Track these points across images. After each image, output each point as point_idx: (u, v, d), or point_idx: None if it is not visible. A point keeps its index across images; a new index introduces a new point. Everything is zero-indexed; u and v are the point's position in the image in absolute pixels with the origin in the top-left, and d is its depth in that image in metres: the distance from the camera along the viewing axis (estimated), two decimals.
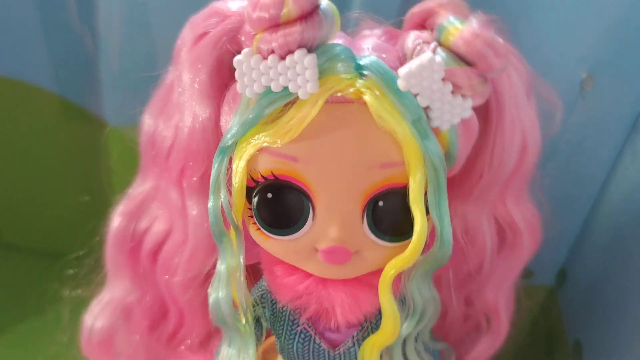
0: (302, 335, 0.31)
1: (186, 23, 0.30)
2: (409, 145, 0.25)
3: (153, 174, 0.34)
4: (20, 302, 0.55)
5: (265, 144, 0.26)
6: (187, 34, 0.29)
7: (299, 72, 0.24)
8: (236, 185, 0.27)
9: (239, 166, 0.27)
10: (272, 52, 0.25)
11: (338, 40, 0.27)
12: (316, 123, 0.25)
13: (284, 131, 0.25)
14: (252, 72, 0.25)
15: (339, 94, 0.25)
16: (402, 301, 0.29)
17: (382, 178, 0.26)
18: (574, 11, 0.35)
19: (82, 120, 0.51)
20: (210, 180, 0.28)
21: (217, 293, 0.29)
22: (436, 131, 0.26)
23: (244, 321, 0.30)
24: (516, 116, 0.29)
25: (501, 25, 0.28)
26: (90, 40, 0.46)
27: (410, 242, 0.26)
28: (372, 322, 0.31)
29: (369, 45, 0.27)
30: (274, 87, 0.25)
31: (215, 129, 0.30)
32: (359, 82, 0.25)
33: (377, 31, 0.29)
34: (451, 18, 0.25)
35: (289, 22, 0.24)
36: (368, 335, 0.30)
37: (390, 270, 0.27)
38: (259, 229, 0.28)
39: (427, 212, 0.26)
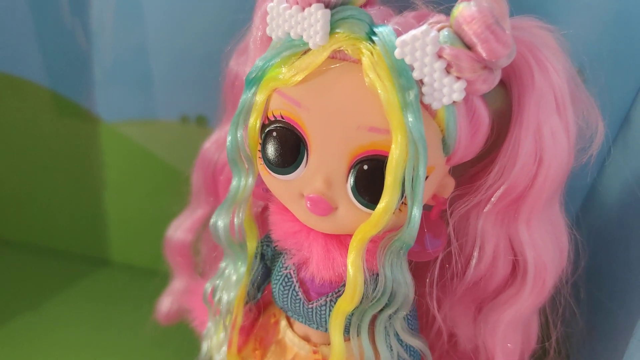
0: (286, 280, 0.34)
1: None
2: (391, 112, 0.26)
3: (232, 113, 0.39)
4: (15, 298, 0.55)
5: (279, 84, 0.29)
6: None
7: (313, 24, 0.27)
8: (252, 118, 0.30)
9: (258, 101, 0.30)
10: (297, 3, 0.28)
11: (380, 11, 0.29)
12: (321, 74, 0.28)
13: (291, 74, 0.28)
14: (279, 17, 0.28)
15: (344, 50, 0.27)
16: (375, 278, 0.30)
17: (369, 142, 0.27)
18: (564, 6, 0.33)
19: (74, 115, 0.51)
20: (237, 109, 0.31)
21: (217, 216, 0.33)
22: (432, 111, 0.27)
23: (237, 244, 0.33)
24: (535, 123, 0.28)
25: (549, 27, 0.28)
26: (82, 34, 0.47)
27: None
28: None
29: (397, 20, 0.29)
30: (293, 34, 0.28)
31: None
32: (364, 44, 0.27)
33: (416, 13, 0.30)
34: (465, 2, 0.26)
35: None
36: None
37: (359, 234, 0.28)
38: (262, 163, 0.31)
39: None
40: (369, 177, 0.28)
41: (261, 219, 0.37)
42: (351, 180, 0.28)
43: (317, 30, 0.27)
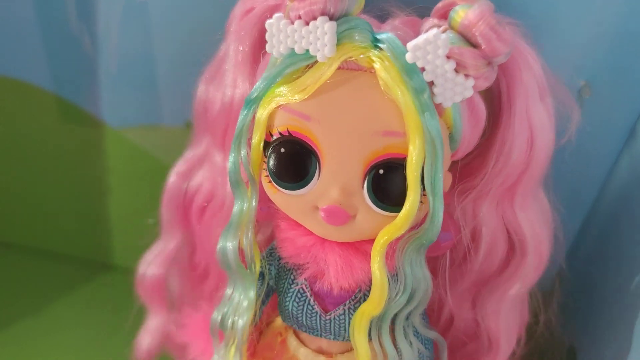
0: (299, 295, 0.33)
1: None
2: (410, 114, 0.27)
3: (204, 138, 0.38)
4: (18, 301, 0.56)
5: (283, 100, 0.29)
6: (237, 8, 0.34)
7: (319, 37, 0.28)
8: (256, 137, 0.30)
9: (261, 118, 0.30)
10: (299, 17, 0.28)
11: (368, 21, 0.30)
12: (330, 86, 0.28)
13: (300, 89, 0.28)
14: (280, 34, 0.28)
15: (353, 60, 0.28)
16: (395, 278, 0.31)
17: (384, 146, 0.28)
18: (572, 19, 0.35)
19: (79, 120, 0.52)
20: (235, 130, 0.31)
21: (225, 240, 0.32)
22: (441, 110, 0.28)
23: (246, 268, 0.33)
24: (525, 112, 0.30)
25: (521, 28, 0.31)
26: (88, 40, 0.47)
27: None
28: (365, 294, 0.32)
29: (389, 27, 0.30)
30: (297, 49, 0.28)
31: None
32: (372, 52, 0.28)
33: (402, 19, 0.31)
34: (461, 5, 0.27)
35: None
36: (359, 305, 0.32)
37: (383, 237, 0.29)
38: (270, 181, 0.30)
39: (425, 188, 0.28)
40: (385, 181, 0.29)
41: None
42: (367, 186, 0.29)
43: (325, 42, 0.27)
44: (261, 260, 0.34)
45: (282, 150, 0.30)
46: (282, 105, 0.29)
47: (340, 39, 0.28)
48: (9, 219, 0.61)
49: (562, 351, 0.38)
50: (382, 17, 0.33)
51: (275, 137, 0.30)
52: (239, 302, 0.33)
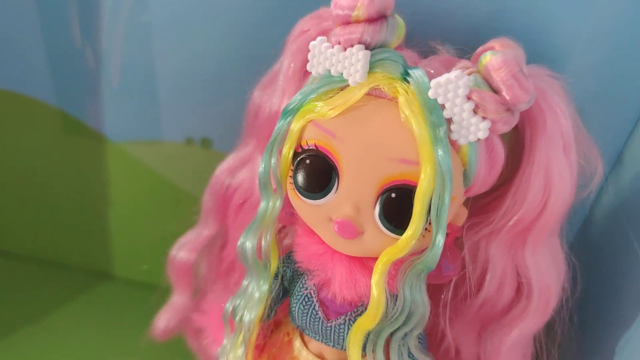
0: (306, 299, 0.36)
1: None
2: (423, 146, 0.29)
3: (251, 141, 0.41)
4: (18, 311, 0.56)
5: (315, 116, 0.31)
6: (296, 28, 0.37)
7: (353, 63, 0.30)
8: (287, 147, 0.33)
9: (294, 130, 0.32)
10: (339, 43, 0.31)
11: (407, 54, 0.32)
12: (357, 109, 0.30)
13: (329, 108, 0.31)
14: (320, 55, 0.31)
15: (381, 88, 0.30)
16: (395, 298, 0.32)
17: (399, 172, 0.30)
18: (562, 46, 0.36)
19: (81, 134, 0.53)
20: (271, 137, 0.34)
21: (246, 236, 0.35)
22: (457, 147, 0.30)
23: (262, 265, 0.35)
24: (544, 163, 0.31)
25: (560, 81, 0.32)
26: (91, 56, 0.48)
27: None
28: (366, 309, 0.34)
29: (426, 63, 0.32)
30: (333, 72, 0.31)
31: None
32: (400, 84, 0.30)
33: (442, 58, 0.33)
34: (492, 51, 0.29)
35: (357, 22, 0.30)
36: None
37: (385, 257, 0.31)
38: (293, 188, 0.33)
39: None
40: (396, 205, 0.30)
41: (277, 241, 0.39)
42: (379, 207, 0.31)
43: (358, 69, 0.30)
44: (280, 262, 0.37)
45: (308, 162, 0.32)
46: (313, 121, 0.32)
47: (372, 68, 0.30)
48: (11, 229, 0.62)
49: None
50: (427, 54, 0.35)
51: (304, 149, 0.32)
52: (252, 294, 0.36)
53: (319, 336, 0.36)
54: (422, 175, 0.29)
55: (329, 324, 0.35)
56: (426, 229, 0.30)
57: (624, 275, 0.37)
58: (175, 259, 0.44)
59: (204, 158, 0.51)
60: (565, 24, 0.36)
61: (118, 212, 0.57)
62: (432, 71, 0.30)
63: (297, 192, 0.33)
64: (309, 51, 0.34)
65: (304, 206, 0.33)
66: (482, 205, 0.35)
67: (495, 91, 0.28)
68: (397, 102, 0.30)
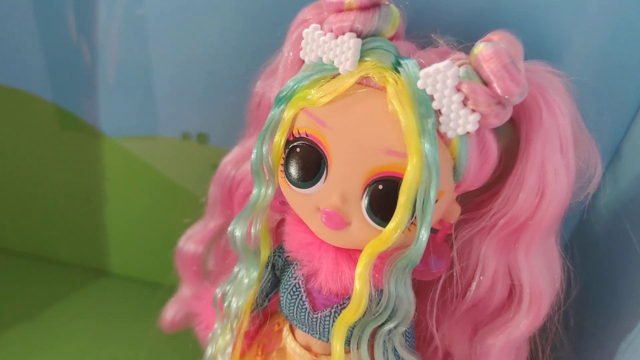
0: (294, 289, 0.35)
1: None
2: (410, 137, 0.28)
3: (254, 132, 0.41)
4: (14, 308, 0.56)
5: (307, 104, 0.31)
6: (297, 17, 0.36)
7: (344, 51, 0.30)
8: (279, 134, 0.33)
9: (286, 118, 0.32)
10: (331, 31, 0.30)
11: (404, 45, 0.32)
12: (347, 98, 0.30)
13: (319, 95, 0.30)
14: (313, 43, 0.31)
15: (371, 77, 0.29)
16: (380, 292, 0.32)
17: (386, 163, 0.29)
18: (563, 47, 0.36)
19: (77, 129, 0.53)
20: (264, 125, 0.34)
21: (235, 225, 0.35)
22: (447, 140, 0.29)
23: (252, 254, 0.35)
24: (539, 161, 0.30)
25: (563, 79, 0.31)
26: (87, 50, 0.48)
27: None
28: None
29: (418, 54, 0.31)
30: (325, 59, 0.31)
31: None
32: (389, 73, 0.29)
33: (439, 49, 0.33)
34: (485, 42, 0.28)
35: (349, 10, 0.30)
36: None
37: (369, 249, 0.30)
38: (283, 177, 0.33)
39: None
40: (383, 197, 0.30)
41: (275, 232, 0.39)
42: (366, 198, 0.30)
43: (348, 57, 0.30)
44: (273, 251, 0.36)
45: (298, 150, 0.32)
46: (305, 109, 0.32)
47: (364, 56, 0.30)
48: (7, 225, 0.62)
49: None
50: (428, 46, 0.34)
51: (295, 137, 0.32)
52: (241, 281, 0.36)
53: (306, 327, 0.36)
54: (409, 167, 0.28)
55: (315, 315, 0.35)
56: (412, 223, 0.30)
57: (622, 272, 0.36)
58: (182, 251, 0.45)
59: (200, 153, 0.51)
60: (563, 17, 0.35)
61: (114, 208, 0.57)
62: (423, 62, 0.30)
63: (287, 181, 0.33)
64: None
65: (293, 195, 0.33)
66: (476, 204, 0.34)
67: (486, 83, 0.28)
68: (386, 92, 0.29)
